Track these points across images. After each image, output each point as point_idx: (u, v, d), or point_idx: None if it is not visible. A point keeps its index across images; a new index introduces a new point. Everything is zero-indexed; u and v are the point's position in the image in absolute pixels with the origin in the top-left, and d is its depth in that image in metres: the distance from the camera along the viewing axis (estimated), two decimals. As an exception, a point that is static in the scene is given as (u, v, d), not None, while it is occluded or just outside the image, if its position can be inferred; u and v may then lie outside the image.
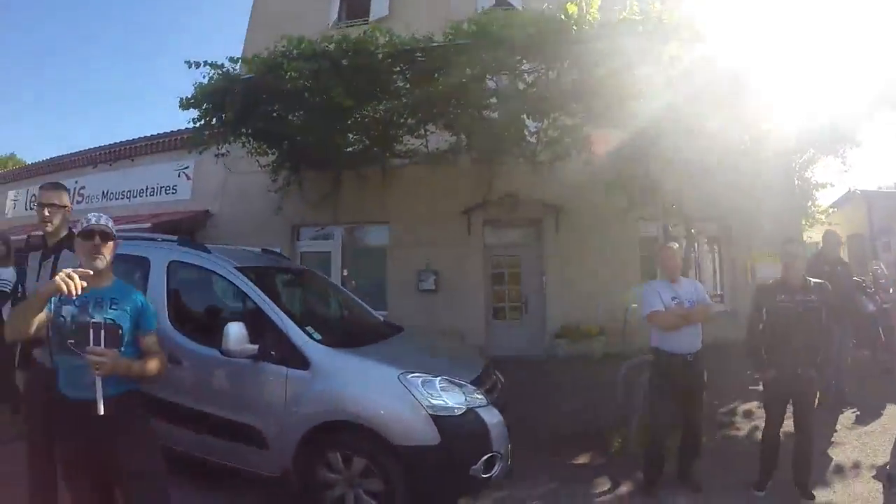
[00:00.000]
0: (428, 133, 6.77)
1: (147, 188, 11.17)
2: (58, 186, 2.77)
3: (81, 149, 13.06)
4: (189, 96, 5.39)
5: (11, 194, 15.05)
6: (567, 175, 7.13)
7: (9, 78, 69.12)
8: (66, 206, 2.71)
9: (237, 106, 5.19)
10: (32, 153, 69.38)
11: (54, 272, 2.25)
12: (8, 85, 68.10)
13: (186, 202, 10.37)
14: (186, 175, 10.55)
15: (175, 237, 3.90)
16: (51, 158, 13.85)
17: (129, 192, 11.52)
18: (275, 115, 5.63)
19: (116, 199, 11.75)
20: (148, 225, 8.69)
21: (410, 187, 8.42)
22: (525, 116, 6.17)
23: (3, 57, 69.29)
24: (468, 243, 8.46)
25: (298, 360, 3.07)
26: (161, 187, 10.94)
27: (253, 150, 7.11)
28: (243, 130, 6.26)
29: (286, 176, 8.34)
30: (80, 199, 12.50)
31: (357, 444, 2.94)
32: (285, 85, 4.75)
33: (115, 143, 12.05)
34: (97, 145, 12.49)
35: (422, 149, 7.31)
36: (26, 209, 13.49)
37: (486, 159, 7.69)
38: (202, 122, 5.68)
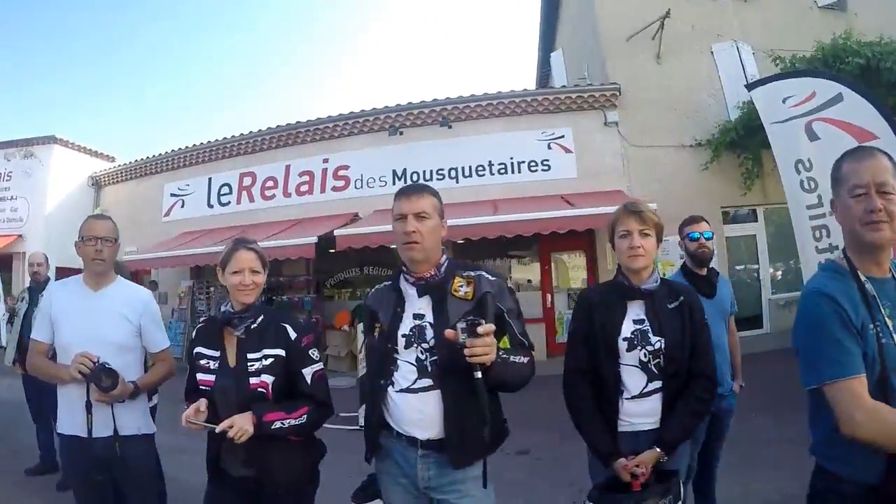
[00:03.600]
0: None
1: (483, 164, 8.66)
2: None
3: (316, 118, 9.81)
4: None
5: (170, 187, 11.08)
6: None
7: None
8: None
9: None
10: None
11: None
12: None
13: (570, 181, 8.26)
14: (563, 147, 8.45)
15: None
16: (273, 128, 10.03)
17: (452, 169, 8.84)
18: None
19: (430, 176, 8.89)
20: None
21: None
22: None
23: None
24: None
25: None
26: (517, 163, 8.56)
27: None
28: None
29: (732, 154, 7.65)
30: (341, 182, 9.42)
31: None
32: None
33: (440, 101, 8.92)
34: (358, 110, 9.42)
35: None
36: (209, 205, 10.44)
37: None
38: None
